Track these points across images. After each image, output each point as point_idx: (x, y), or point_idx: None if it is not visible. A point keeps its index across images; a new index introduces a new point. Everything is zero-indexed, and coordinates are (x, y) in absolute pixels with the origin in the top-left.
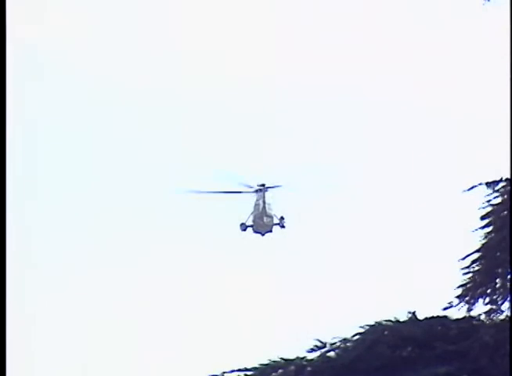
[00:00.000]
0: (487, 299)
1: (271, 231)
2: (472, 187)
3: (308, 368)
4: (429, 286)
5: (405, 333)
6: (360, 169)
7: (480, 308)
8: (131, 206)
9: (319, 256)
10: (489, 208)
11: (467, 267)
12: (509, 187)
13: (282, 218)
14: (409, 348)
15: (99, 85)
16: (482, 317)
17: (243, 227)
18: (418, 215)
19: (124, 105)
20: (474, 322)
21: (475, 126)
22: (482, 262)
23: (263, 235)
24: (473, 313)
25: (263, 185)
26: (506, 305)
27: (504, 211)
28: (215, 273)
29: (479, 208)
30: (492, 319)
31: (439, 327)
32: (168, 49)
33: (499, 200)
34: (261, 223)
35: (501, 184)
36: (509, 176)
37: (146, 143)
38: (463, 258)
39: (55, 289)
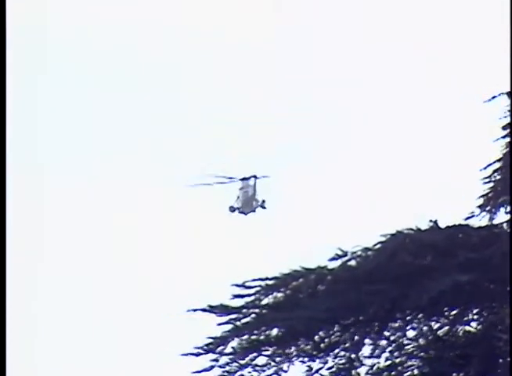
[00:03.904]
0: (508, 208)
1: (254, 211)
2: (493, 97)
3: (329, 277)
4: (451, 196)
5: (427, 241)
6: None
7: (501, 217)
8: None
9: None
10: (510, 118)
11: (489, 177)
12: None
13: (263, 201)
14: (431, 257)
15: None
16: (504, 226)
17: (232, 209)
18: (439, 125)
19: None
20: (496, 230)
21: (495, 33)
22: (503, 171)
23: (246, 215)
24: (494, 222)
25: (254, 175)
26: None
27: None
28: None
29: (500, 118)
30: None
31: (461, 235)
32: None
33: None
34: (249, 206)
35: None
36: None
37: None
38: (485, 168)
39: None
